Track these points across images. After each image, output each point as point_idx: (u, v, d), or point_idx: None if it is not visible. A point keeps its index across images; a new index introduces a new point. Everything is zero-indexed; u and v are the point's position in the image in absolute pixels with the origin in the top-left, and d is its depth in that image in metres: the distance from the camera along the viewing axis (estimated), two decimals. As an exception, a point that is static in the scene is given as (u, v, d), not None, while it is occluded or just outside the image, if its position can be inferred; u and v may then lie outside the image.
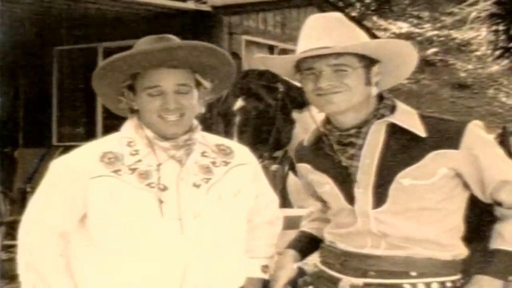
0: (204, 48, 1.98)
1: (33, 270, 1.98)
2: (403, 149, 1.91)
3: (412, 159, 1.89)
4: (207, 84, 2.05)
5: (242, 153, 2.15)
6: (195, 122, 2.08)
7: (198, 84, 2.04)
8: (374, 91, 1.97)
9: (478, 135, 1.91)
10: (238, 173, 2.07)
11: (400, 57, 1.97)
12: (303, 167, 2.12)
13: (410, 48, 1.98)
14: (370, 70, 1.94)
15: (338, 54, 1.90)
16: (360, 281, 1.92)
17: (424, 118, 1.94)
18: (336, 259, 1.98)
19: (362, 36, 1.98)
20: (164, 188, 1.95)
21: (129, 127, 2.05)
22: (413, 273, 1.89)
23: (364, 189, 1.92)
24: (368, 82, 1.94)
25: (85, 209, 1.98)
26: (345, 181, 1.96)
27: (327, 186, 2.01)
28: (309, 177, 2.10)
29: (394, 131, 1.94)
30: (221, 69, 2.05)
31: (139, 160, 1.98)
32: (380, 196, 1.90)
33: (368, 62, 1.93)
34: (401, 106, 1.99)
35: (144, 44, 2.01)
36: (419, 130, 1.91)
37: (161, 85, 1.96)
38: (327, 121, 2.03)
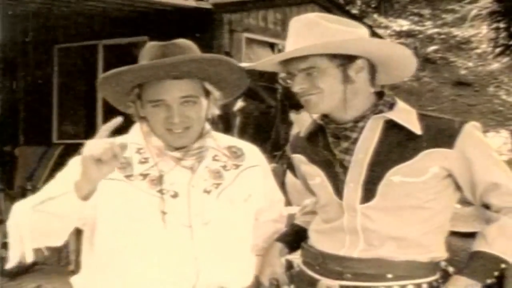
0: (210, 60, 1.95)
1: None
2: (397, 146, 1.91)
3: (405, 156, 1.89)
4: (216, 93, 2.02)
5: (253, 154, 2.14)
6: (207, 127, 2.05)
7: (208, 93, 2.01)
8: (366, 86, 1.96)
9: (474, 136, 1.91)
10: (248, 176, 2.06)
11: (379, 53, 1.95)
12: (297, 158, 2.12)
13: (375, 43, 1.98)
14: (347, 67, 1.92)
15: (304, 57, 1.90)
16: (336, 283, 1.91)
17: (422, 116, 1.94)
18: (315, 260, 1.98)
19: (335, 35, 1.92)
20: (175, 195, 1.94)
21: (138, 133, 2.03)
22: (389, 276, 1.88)
23: (354, 183, 1.92)
24: (346, 80, 1.92)
25: (90, 212, 1.91)
26: (336, 174, 1.96)
27: (318, 178, 2.01)
28: (302, 168, 2.10)
29: (391, 127, 1.94)
30: (230, 76, 2.02)
31: (151, 167, 1.95)
32: (369, 191, 1.90)
33: (344, 59, 1.91)
34: (400, 104, 1.99)
35: (150, 52, 1.97)
36: (415, 127, 1.91)
37: (165, 99, 1.93)
38: (325, 114, 2.03)
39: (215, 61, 1.96)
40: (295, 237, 2.18)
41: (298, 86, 1.93)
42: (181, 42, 2.00)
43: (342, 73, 1.92)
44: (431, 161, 1.88)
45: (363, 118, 1.96)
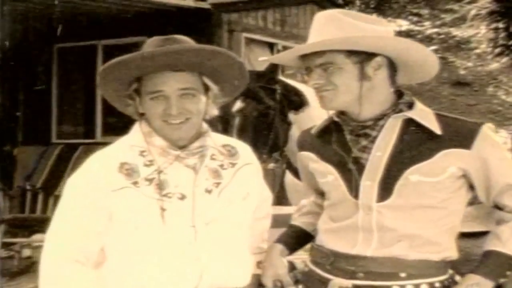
0: (209, 51, 1.95)
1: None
2: (416, 145, 1.92)
3: (423, 155, 1.90)
4: (215, 88, 2.01)
5: (246, 152, 2.14)
6: (205, 126, 2.05)
7: (206, 88, 2.00)
8: (385, 84, 1.96)
9: (490, 138, 1.93)
10: (245, 174, 2.06)
11: (395, 51, 1.95)
12: (306, 156, 2.11)
13: (390, 42, 1.96)
14: (365, 64, 1.92)
15: (322, 52, 1.91)
16: (349, 282, 1.91)
17: (439, 116, 1.96)
18: (325, 260, 1.98)
19: (354, 31, 1.93)
20: (182, 197, 1.94)
21: (138, 134, 2.02)
22: (402, 275, 1.89)
23: (371, 181, 1.92)
24: (363, 77, 1.92)
25: (108, 224, 1.95)
26: (351, 172, 1.95)
27: (330, 176, 2.00)
28: (310, 166, 2.09)
29: (410, 127, 1.94)
30: (230, 71, 2.02)
31: (155, 171, 1.95)
32: (385, 190, 1.90)
33: (362, 56, 1.92)
34: (419, 104, 2.00)
35: (150, 45, 1.97)
36: (435, 127, 1.92)
37: (164, 90, 1.93)
38: (342, 111, 2.03)
39: (214, 52, 1.96)
40: (294, 238, 2.18)
41: (313, 81, 1.94)
42: (181, 37, 2.00)
43: (359, 70, 1.92)
44: (449, 161, 1.89)
45: (383, 116, 1.96)
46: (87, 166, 2.00)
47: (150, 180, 1.94)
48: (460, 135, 1.91)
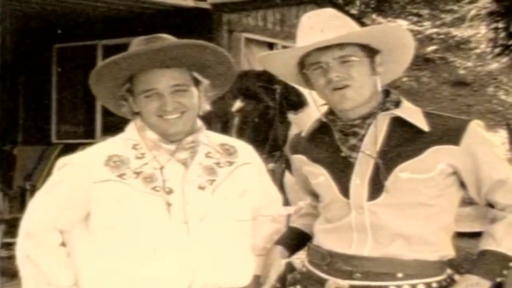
0: (195, 46, 1.97)
1: (32, 262, 1.98)
2: (404, 143, 1.92)
3: (412, 153, 1.90)
4: (205, 81, 2.04)
5: (246, 152, 2.14)
6: (200, 123, 2.07)
7: (197, 82, 2.02)
8: (379, 84, 1.99)
9: (479, 134, 1.92)
10: (243, 172, 2.06)
11: (399, 45, 1.99)
12: (298, 159, 2.12)
13: (407, 34, 2.01)
14: (373, 60, 1.96)
15: (342, 45, 1.92)
16: (346, 283, 1.91)
17: (427, 114, 1.96)
18: (322, 260, 1.98)
19: (358, 28, 1.99)
20: (170, 191, 1.95)
21: (132, 129, 2.04)
22: (399, 275, 1.88)
23: (361, 180, 1.92)
24: (373, 72, 1.96)
25: (86, 211, 1.99)
26: (341, 172, 1.96)
27: (321, 177, 2.01)
28: (303, 168, 2.10)
29: (397, 125, 1.95)
30: (218, 65, 2.03)
31: (145, 164, 1.96)
32: (376, 188, 1.91)
33: (371, 52, 1.96)
34: (405, 102, 2.01)
35: (135, 46, 2.00)
36: (422, 124, 1.92)
37: (157, 88, 1.95)
38: (330, 112, 2.03)
39: (198, 46, 1.98)
40: (294, 240, 2.18)
41: (335, 73, 1.93)
42: (164, 35, 2.02)
43: (370, 65, 1.95)
44: (438, 158, 1.90)
45: (371, 115, 1.97)
46: (76, 156, 2.05)
47: (138, 173, 1.96)
48: (449, 132, 1.91)
